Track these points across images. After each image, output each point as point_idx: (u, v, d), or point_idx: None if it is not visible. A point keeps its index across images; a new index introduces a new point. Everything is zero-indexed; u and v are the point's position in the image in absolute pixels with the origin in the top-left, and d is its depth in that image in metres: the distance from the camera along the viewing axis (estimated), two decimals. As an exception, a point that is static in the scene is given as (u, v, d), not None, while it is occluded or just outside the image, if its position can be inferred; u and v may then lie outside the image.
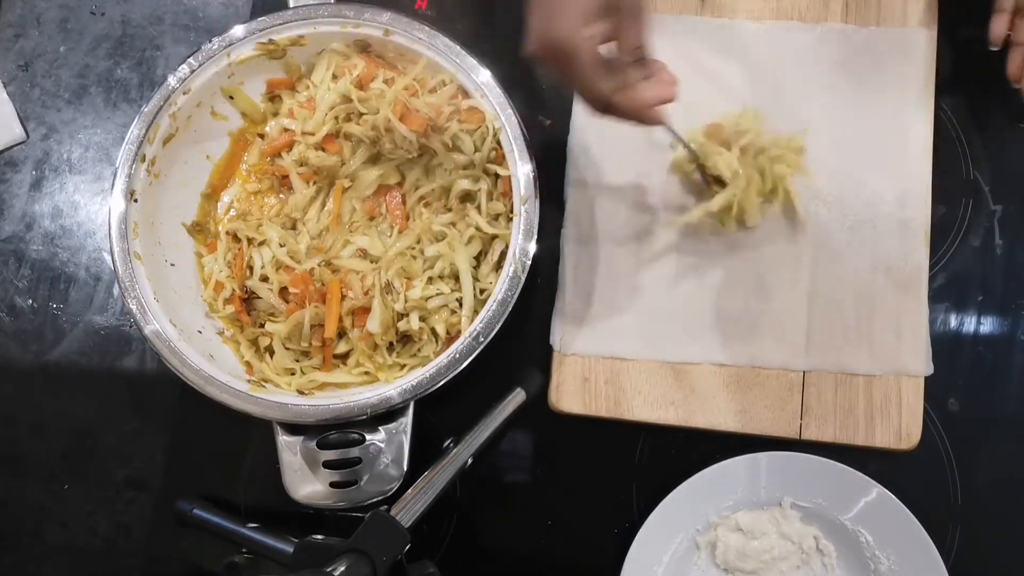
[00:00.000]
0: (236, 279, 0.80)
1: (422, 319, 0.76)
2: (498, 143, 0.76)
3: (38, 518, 0.84)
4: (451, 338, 0.76)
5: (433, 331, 0.76)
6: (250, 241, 0.81)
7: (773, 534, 0.76)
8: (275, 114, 0.84)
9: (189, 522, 0.79)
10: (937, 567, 0.73)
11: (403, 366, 0.77)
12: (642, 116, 0.64)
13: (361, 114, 0.78)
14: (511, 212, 0.75)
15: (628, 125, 0.65)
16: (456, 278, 0.77)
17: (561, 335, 0.80)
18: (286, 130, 0.82)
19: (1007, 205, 0.81)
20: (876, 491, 0.74)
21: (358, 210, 0.81)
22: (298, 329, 0.77)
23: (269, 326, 0.79)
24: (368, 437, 0.72)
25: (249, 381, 0.75)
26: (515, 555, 0.80)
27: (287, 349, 0.78)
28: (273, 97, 0.84)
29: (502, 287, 0.71)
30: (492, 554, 0.80)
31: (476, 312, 0.75)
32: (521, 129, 0.74)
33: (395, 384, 0.71)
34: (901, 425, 0.77)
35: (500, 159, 0.76)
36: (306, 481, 0.72)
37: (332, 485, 0.72)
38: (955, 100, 0.83)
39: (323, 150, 0.81)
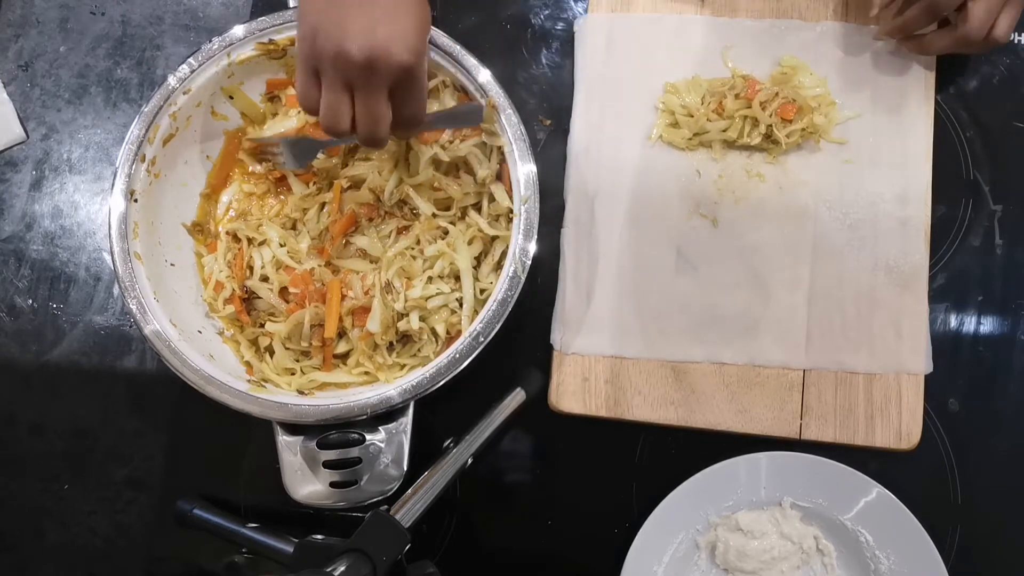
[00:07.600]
0: (236, 279, 0.80)
1: (422, 319, 0.76)
2: (502, 155, 0.76)
3: (38, 518, 0.84)
4: (451, 338, 0.76)
5: (433, 331, 0.76)
6: (250, 241, 0.81)
7: (773, 534, 0.76)
8: (274, 114, 0.83)
9: (189, 522, 0.79)
10: (937, 567, 0.73)
11: (403, 366, 0.77)
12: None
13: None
14: (511, 213, 0.75)
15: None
16: (456, 278, 0.77)
17: (561, 335, 0.80)
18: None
19: (1007, 205, 0.81)
20: (876, 491, 0.74)
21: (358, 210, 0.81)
22: (298, 329, 0.77)
23: (269, 326, 0.79)
24: (368, 437, 0.72)
25: (249, 381, 0.75)
26: (515, 555, 0.80)
27: (287, 349, 0.78)
28: (273, 97, 0.83)
29: (502, 287, 0.71)
30: (492, 554, 0.80)
31: (476, 312, 0.75)
32: (521, 129, 0.74)
33: (395, 384, 0.71)
34: (901, 425, 0.77)
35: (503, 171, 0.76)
36: (306, 481, 0.72)
37: (332, 485, 0.72)
38: (955, 100, 0.83)
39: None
